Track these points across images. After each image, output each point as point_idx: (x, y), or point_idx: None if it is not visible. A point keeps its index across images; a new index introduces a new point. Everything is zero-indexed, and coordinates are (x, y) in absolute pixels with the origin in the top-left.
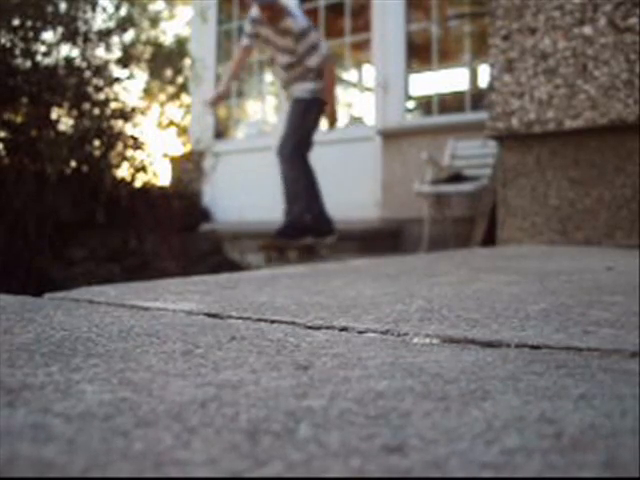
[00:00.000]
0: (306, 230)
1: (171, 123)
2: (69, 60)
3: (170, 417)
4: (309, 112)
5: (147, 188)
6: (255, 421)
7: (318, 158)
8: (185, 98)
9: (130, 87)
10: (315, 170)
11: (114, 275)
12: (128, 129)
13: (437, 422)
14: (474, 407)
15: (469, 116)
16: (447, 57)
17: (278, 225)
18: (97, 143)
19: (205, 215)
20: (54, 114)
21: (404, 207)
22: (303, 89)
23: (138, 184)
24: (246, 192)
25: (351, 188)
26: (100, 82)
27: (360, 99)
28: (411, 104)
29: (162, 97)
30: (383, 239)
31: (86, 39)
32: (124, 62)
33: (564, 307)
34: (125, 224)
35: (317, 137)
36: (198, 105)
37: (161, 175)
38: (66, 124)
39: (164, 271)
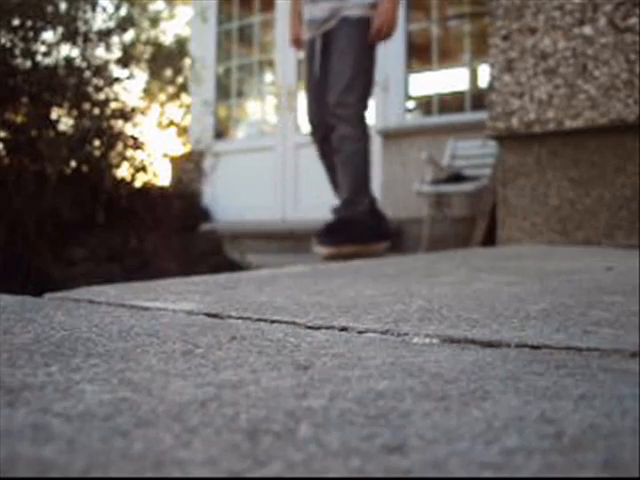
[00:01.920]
0: (378, 231)
1: (171, 123)
2: (69, 60)
3: (170, 417)
4: (366, 39)
5: (147, 188)
6: (255, 421)
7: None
8: (185, 98)
9: (130, 87)
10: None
11: (114, 275)
12: (128, 129)
13: (437, 422)
14: (474, 407)
15: (469, 116)
16: (447, 57)
17: (327, 224)
18: (97, 143)
19: (205, 215)
20: (54, 114)
21: (404, 207)
22: (358, 2)
23: (138, 184)
24: (246, 192)
25: None
26: (100, 82)
27: None
28: (411, 104)
29: (162, 97)
30: None
31: (86, 39)
32: (124, 62)
33: (564, 307)
34: (125, 224)
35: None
36: (198, 105)
37: (161, 175)
38: (66, 124)
39: (164, 271)
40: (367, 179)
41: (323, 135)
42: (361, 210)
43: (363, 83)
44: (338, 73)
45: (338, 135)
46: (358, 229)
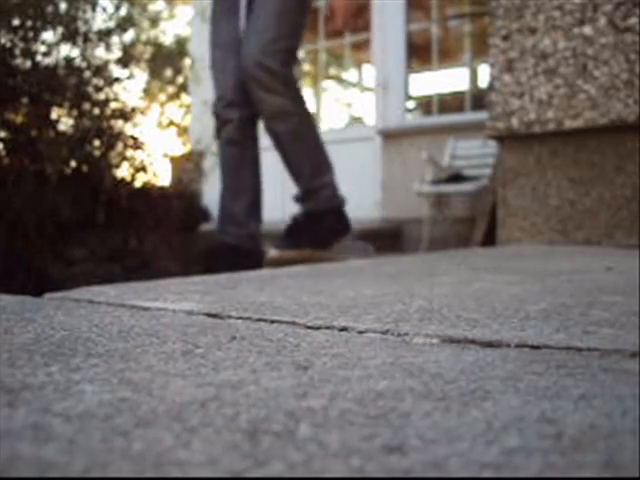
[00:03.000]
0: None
1: (171, 123)
2: (69, 60)
3: (170, 417)
4: None
5: (147, 188)
6: (255, 421)
7: None
8: (185, 98)
9: (130, 87)
10: None
11: (114, 275)
12: (128, 129)
13: (437, 422)
14: (474, 407)
15: (469, 116)
16: (447, 57)
17: (288, 223)
18: (97, 143)
19: (205, 215)
20: (54, 114)
21: (404, 207)
22: None
23: (138, 184)
24: None
25: (351, 188)
26: (100, 82)
27: (360, 99)
28: (411, 104)
29: (162, 97)
30: (383, 239)
31: (86, 39)
32: (124, 62)
33: (564, 307)
34: (125, 224)
35: None
36: (198, 105)
37: (161, 175)
38: (66, 124)
39: (164, 271)
40: (322, 157)
41: (245, 115)
42: (324, 197)
43: (289, 42)
44: (259, 29)
45: (266, 115)
46: (317, 226)
